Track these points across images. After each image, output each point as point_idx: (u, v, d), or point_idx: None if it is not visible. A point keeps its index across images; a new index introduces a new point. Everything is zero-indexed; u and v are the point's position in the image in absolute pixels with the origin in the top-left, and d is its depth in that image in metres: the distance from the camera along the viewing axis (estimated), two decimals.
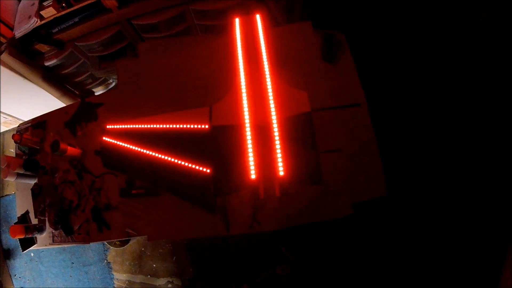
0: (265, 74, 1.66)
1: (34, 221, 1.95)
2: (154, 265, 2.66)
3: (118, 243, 2.72)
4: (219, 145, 1.59)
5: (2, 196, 3.35)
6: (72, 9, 2.18)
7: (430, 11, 2.44)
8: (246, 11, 1.95)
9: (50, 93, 2.75)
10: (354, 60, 1.73)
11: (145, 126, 1.74)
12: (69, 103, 2.75)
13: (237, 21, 1.86)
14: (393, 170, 1.68)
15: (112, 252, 2.82)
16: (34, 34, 2.30)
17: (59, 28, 2.30)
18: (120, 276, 2.76)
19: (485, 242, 2.07)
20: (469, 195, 2.15)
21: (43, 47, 2.44)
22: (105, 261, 2.83)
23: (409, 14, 2.49)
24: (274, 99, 1.58)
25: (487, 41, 2.34)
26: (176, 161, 1.61)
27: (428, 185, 2.22)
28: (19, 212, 2.02)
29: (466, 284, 2.06)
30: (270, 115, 1.55)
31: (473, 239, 2.10)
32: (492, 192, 2.12)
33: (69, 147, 1.79)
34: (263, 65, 1.69)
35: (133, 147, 1.73)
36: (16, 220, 2.00)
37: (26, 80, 2.59)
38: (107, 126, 1.84)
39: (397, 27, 2.51)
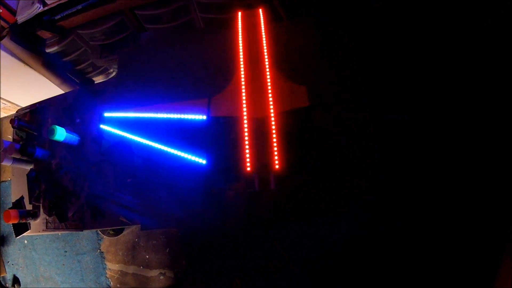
0: (265, 68, 1.66)
1: (29, 207, 1.95)
2: (147, 256, 2.66)
3: (111, 232, 2.72)
4: (216, 136, 1.59)
5: None
6: None
7: (434, 12, 2.44)
8: (248, 5, 1.94)
9: (50, 80, 2.75)
10: (355, 58, 1.73)
11: (144, 115, 1.73)
12: (69, 90, 2.75)
13: (239, 15, 1.86)
14: (390, 169, 1.68)
15: (106, 241, 2.82)
16: (37, 20, 2.30)
17: (62, 15, 2.29)
18: (112, 266, 2.75)
19: (481, 246, 2.07)
20: (466, 198, 2.16)
21: (45, 34, 2.43)
22: (98, 250, 2.83)
23: (413, 14, 2.50)
24: (273, 93, 1.58)
25: (492, 44, 2.35)
26: (173, 150, 1.61)
27: (426, 185, 2.23)
28: (14, 197, 2.02)
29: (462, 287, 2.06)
30: (268, 109, 1.55)
31: (468, 244, 2.10)
32: (488, 196, 2.13)
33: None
34: (263, 59, 1.69)
35: (131, 136, 1.73)
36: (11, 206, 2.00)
37: (26, 66, 2.59)
38: (106, 114, 1.84)
39: (400, 27, 2.51)
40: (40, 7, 2.22)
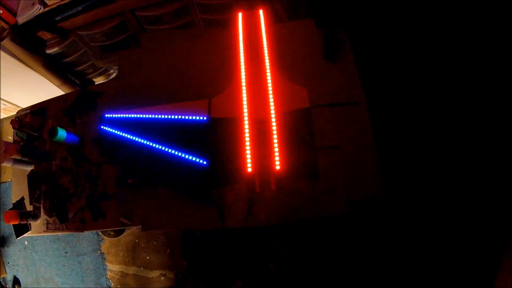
0: (265, 69, 1.66)
1: (29, 207, 1.95)
2: (148, 257, 2.66)
3: (112, 233, 2.71)
4: (217, 137, 1.59)
5: None
6: None
7: (434, 13, 2.45)
8: (249, 6, 1.95)
9: (50, 81, 2.75)
10: (355, 59, 1.73)
11: (144, 116, 1.73)
12: (69, 91, 2.75)
13: (240, 15, 1.86)
14: (390, 170, 1.68)
15: (106, 242, 2.82)
16: (37, 21, 2.30)
17: (63, 16, 2.29)
18: (113, 267, 2.75)
19: (480, 247, 2.08)
20: (465, 198, 2.16)
21: (45, 35, 2.44)
22: (99, 251, 2.83)
23: (412, 15, 2.50)
24: (274, 93, 1.59)
25: (490, 44, 2.35)
26: (173, 151, 1.61)
27: (425, 186, 2.23)
28: (14, 198, 2.02)
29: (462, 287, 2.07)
30: (269, 110, 1.55)
31: (469, 244, 2.10)
32: (489, 196, 2.13)
33: None
34: (264, 60, 1.69)
35: (131, 137, 1.73)
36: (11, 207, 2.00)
37: (27, 67, 2.59)
38: (106, 115, 1.84)
39: (400, 28, 2.52)
40: (40, 8, 2.22)
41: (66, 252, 2.93)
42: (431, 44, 2.49)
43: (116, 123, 1.80)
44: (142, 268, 2.67)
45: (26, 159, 1.93)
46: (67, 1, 2.19)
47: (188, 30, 2.40)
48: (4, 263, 3.13)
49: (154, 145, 1.67)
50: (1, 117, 3.37)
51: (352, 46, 1.75)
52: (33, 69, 2.61)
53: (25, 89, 2.82)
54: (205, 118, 1.62)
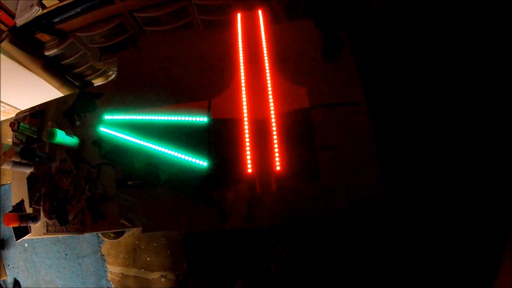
0: (265, 70, 1.66)
1: (29, 210, 1.94)
2: (148, 259, 2.66)
3: (112, 235, 2.71)
4: (217, 138, 1.58)
5: None
6: None
7: (433, 13, 2.45)
8: (248, 7, 1.95)
9: (49, 83, 2.74)
10: (354, 59, 1.73)
11: (144, 117, 1.73)
12: (68, 93, 2.74)
13: (239, 16, 1.86)
14: (390, 170, 1.68)
15: (107, 244, 2.81)
16: (36, 23, 2.29)
17: (61, 18, 2.29)
18: (113, 269, 2.75)
19: (480, 247, 2.08)
20: (466, 198, 2.16)
21: (44, 37, 2.43)
22: (99, 253, 2.82)
23: (411, 15, 2.50)
24: (273, 94, 1.59)
25: (489, 45, 2.36)
26: (173, 153, 1.60)
27: (425, 185, 2.23)
28: (14, 200, 2.02)
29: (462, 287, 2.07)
30: (269, 110, 1.55)
31: (469, 244, 2.10)
32: (489, 196, 2.13)
33: None
34: (263, 60, 1.69)
35: (131, 138, 1.72)
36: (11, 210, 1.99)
37: (26, 69, 2.58)
38: (106, 117, 1.84)
39: (399, 28, 2.52)
40: (39, 10, 2.21)
41: (67, 254, 2.92)
42: (431, 43, 2.49)
43: (116, 125, 1.80)
44: (142, 269, 2.66)
45: (25, 162, 1.93)
46: (65, 2, 2.19)
47: (187, 31, 2.39)
48: (4, 266, 3.12)
49: (154, 146, 1.66)
50: (1, 120, 3.36)
51: (351, 46, 1.75)
52: (32, 71, 2.61)
53: (24, 91, 2.82)
54: (205, 119, 1.62)
